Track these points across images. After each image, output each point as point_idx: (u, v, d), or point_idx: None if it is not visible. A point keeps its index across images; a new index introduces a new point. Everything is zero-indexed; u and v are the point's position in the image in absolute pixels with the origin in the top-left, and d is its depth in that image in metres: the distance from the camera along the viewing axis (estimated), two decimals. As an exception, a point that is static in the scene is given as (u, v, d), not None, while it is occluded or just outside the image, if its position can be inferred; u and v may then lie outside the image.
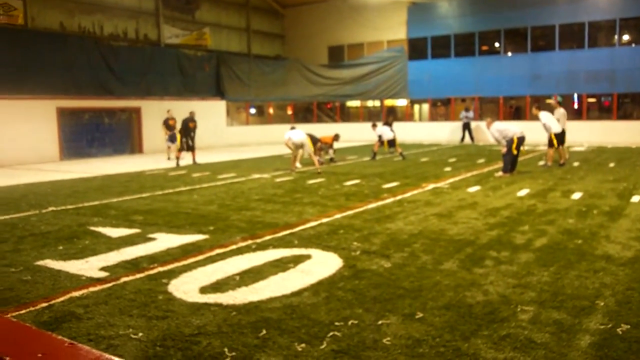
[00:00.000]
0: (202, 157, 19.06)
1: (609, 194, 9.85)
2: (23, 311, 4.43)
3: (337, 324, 4.01)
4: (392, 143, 18.07)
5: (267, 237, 6.79)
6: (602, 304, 4.32)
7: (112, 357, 0.90)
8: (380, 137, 18.07)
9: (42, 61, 19.98)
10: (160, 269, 5.53)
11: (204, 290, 4.86)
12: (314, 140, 15.59)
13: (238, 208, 8.99)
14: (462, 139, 26.40)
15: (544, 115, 14.35)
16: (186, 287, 4.92)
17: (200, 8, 28.14)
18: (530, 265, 5.41)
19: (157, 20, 25.91)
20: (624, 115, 25.62)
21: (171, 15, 26.62)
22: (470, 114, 26.49)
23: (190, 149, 17.09)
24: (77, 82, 21.23)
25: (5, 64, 18.94)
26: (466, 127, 26.49)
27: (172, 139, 18.91)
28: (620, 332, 3.77)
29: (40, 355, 0.92)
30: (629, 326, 3.86)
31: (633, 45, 25.45)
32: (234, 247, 6.35)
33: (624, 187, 10.58)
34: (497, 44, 28.17)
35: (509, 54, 28.10)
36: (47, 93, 20.05)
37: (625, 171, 13.37)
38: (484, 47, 28.44)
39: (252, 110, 31.87)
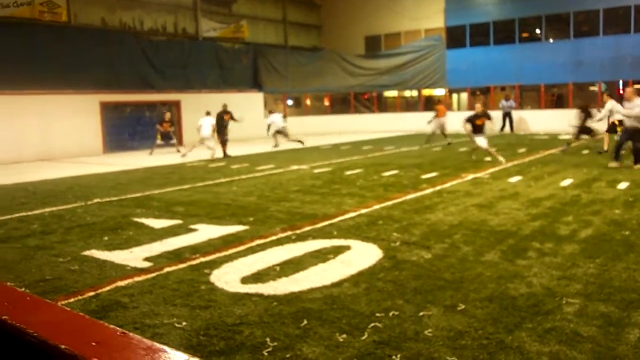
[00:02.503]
0: (240, 149, 19.25)
1: (657, 183, 9.52)
2: (72, 299, 4.58)
3: (377, 314, 4.00)
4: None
5: (307, 228, 6.82)
6: (651, 296, 4.19)
7: (163, 347, 0.91)
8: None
9: (85, 57, 20.47)
10: (202, 259, 5.62)
11: (245, 280, 4.91)
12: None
13: (277, 199, 9.05)
14: (502, 128, 25.79)
15: (612, 102, 13.99)
16: (228, 277, 4.99)
17: (237, 1, 28.30)
18: (575, 256, 5.28)
19: (195, 14, 26.19)
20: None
21: (209, 9, 26.86)
22: (512, 102, 25.78)
23: (223, 142, 17.27)
24: (119, 76, 21.71)
25: (50, 59, 19.48)
26: (507, 116, 25.85)
27: (165, 138, 19.66)
28: (672, 326, 3.65)
29: (94, 343, 0.94)
30: (681, 320, 3.74)
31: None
32: (273, 237, 6.40)
33: (673, 176, 10.21)
34: (537, 31, 27.45)
35: (551, 40, 27.35)
36: (91, 88, 20.55)
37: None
38: (524, 34, 27.76)
39: (289, 102, 31.97)
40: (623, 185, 9.36)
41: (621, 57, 24.91)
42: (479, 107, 14.17)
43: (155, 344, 0.94)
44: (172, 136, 20.13)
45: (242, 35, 28.38)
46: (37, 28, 19.64)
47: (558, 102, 27.96)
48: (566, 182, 9.89)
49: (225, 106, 17.87)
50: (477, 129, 13.66)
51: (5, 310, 1.08)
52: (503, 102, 25.75)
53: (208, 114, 17.73)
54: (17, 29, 18.97)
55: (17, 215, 8.47)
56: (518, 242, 5.86)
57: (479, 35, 28.42)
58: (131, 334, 0.98)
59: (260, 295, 4.52)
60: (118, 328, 1.00)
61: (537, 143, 18.82)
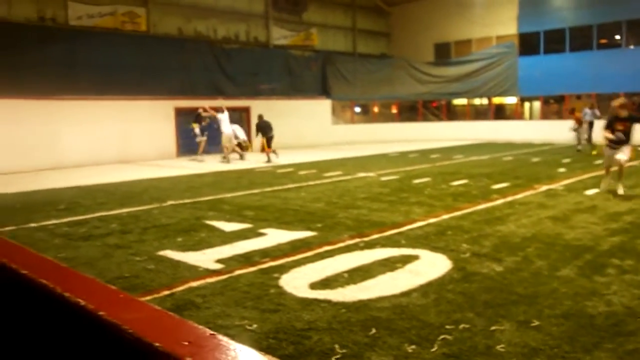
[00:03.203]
0: (307, 156, 19.46)
1: None
2: (148, 297, 4.77)
3: (447, 327, 3.94)
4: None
5: (375, 236, 6.80)
6: None
7: (252, 350, 0.94)
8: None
9: (162, 64, 21.37)
10: (272, 263, 5.72)
11: (313, 286, 4.96)
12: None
13: (345, 206, 9.08)
14: (588, 138, 24.19)
15: None
16: (297, 282, 5.06)
17: (307, 9, 28.70)
18: (659, 275, 5.00)
19: (266, 22, 26.76)
20: None
21: (279, 17, 27.38)
22: (596, 111, 24.17)
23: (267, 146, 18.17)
24: (193, 83, 22.54)
25: (130, 67, 20.45)
26: (590, 125, 24.28)
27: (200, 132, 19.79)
28: None
29: (186, 343, 0.98)
30: None
31: None
32: (342, 244, 6.43)
33: None
34: (617, 37, 26.22)
35: (632, 46, 26.05)
36: (166, 94, 21.42)
37: None
38: (603, 40, 26.58)
39: (357, 109, 32.02)
40: None
41: None
42: (619, 105, 9.48)
43: (243, 346, 0.97)
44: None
45: (312, 43, 28.75)
46: (119, 37, 20.68)
47: (639, 110, 26.53)
48: (648, 197, 9.38)
49: (261, 116, 18.98)
50: (618, 140, 9.32)
51: (103, 307, 1.13)
52: (586, 111, 24.32)
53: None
54: (101, 38, 20.04)
55: (97, 214, 8.92)
56: (596, 258, 5.61)
57: (554, 42, 27.47)
58: (220, 336, 1.01)
59: (329, 302, 4.55)
60: (207, 329, 1.03)
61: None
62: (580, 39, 26.77)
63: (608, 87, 25.82)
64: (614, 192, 9.53)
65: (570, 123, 21.00)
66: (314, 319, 4.20)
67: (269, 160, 18.01)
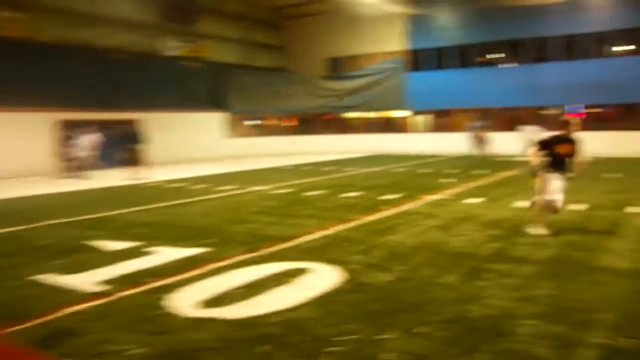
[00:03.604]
0: (200, 170, 19.06)
1: (611, 205, 9.81)
2: (21, 326, 4.39)
3: (337, 338, 3.97)
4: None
5: (268, 250, 6.76)
6: (604, 317, 4.28)
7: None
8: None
9: (44, 73, 20.03)
10: (160, 282, 5.49)
11: (204, 304, 4.82)
12: None
13: (238, 221, 8.96)
14: (477, 149, 25.71)
15: None
16: (186, 302, 4.88)
17: (200, 20, 28.27)
18: (531, 278, 5.37)
19: (157, 33, 26.04)
20: (624, 125, 25.58)
21: (171, 28, 26.76)
22: (480, 123, 25.67)
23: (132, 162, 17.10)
24: (79, 94, 21.24)
25: (8, 76, 18.96)
26: (477, 137, 25.71)
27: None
28: (623, 346, 3.73)
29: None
30: (633, 340, 3.82)
31: (628, 56, 25.59)
32: (234, 260, 6.31)
33: (625, 198, 10.55)
34: (497, 55, 28.32)
35: (508, 65, 28.21)
36: (48, 105, 20.04)
37: (629, 182, 13.32)
38: (482, 59, 28.59)
39: (253, 122, 31.94)
40: (578, 207, 9.61)
41: (575, 82, 25.82)
42: (564, 121, 7.52)
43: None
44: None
45: (204, 55, 28.34)
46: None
47: (515, 124, 28.64)
48: (524, 203, 10.07)
49: (133, 126, 18.28)
50: (557, 163, 7.32)
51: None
52: (471, 124, 25.79)
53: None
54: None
55: (-35, 237, 8.14)
56: (477, 264, 5.93)
57: (439, 58, 29.13)
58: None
59: (219, 320, 4.44)
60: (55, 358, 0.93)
61: (496, 165, 19.24)
62: (464, 56, 28.61)
63: (489, 102, 27.73)
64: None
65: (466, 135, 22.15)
66: (203, 338, 4.07)
67: (140, 176, 16.68)
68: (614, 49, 26.10)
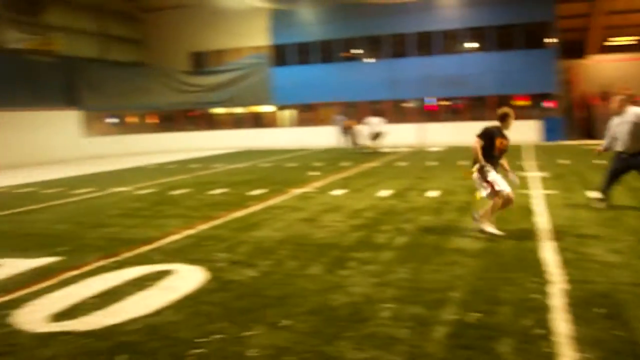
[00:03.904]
0: (54, 172, 17.71)
1: (461, 190, 10.58)
2: None
3: (200, 340, 3.86)
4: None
5: (127, 255, 6.42)
6: (455, 295, 4.59)
7: None
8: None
9: None
10: (4, 298, 5.00)
11: (55, 317, 4.46)
12: None
13: (95, 225, 8.43)
14: (345, 142, 26.26)
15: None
16: (34, 316, 4.49)
17: (47, 11, 26.15)
18: (391, 263, 5.62)
19: (-4, 24, 23.72)
20: (474, 116, 27.81)
21: (15, 18, 24.45)
22: (344, 117, 26.32)
23: None
24: None
25: None
26: (343, 130, 26.30)
27: None
28: (472, 321, 4.02)
29: None
30: (479, 314, 4.13)
31: (478, 52, 27.85)
32: (89, 268, 5.92)
33: (473, 184, 11.42)
34: (357, 51, 29.35)
35: (368, 60, 29.39)
36: None
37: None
38: (345, 54, 29.52)
39: (111, 120, 30.26)
40: (433, 194, 10.26)
41: (430, 77, 27.59)
42: (505, 113, 7.01)
43: None
44: None
45: (54, 48, 26.25)
46: None
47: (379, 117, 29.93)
48: (384, 193, 10.57)
49: None
50: (491, 157, 6.83)
51: None
52: (337, 117, 26.39)
53: None
54: None
55: None
56: (340, 253, 6.09)
57: (303, 53, 29.60)
58: None
59: (72, 333, 4.13)
60: None
61: (360, 157, 19.97)
62: (326, 51, 29.31)
63: (351, 96, 28.73)
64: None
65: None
66: (55, 354, 3.76)
67: None
68: (466, 45, 28.21)
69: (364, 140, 22.72)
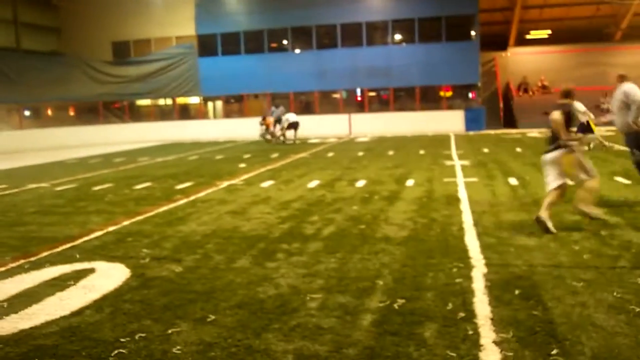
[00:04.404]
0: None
1: (388, 180, 10.79)
2: None
3: (122, 340, 3.72)
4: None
5: (44, 254, 6.09)
6: (381, 282, 4.66)
7: None
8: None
9: None
10: None
11: (-40, 324, 4.16)
12: None
13: (9, 224, 7.95)
14: (271, 134, 25.84)
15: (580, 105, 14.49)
16: (-63, 324, 4.17)
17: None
18: (319, 253, 5.64)
19: None
20: (400, 107, 28.44)
21: None
22: (282, 109, 26.05)
23: None
24: None
25: None
26: (277, 122, 26.00)
27: None
28: (397, 307, 4.09)
29: None
30: (404, 300, 4.21)
31: (404, 44, 28.41)
32: (1, 269, 5.57)
33: (400, 173, 11.69)
34: (285, 42, 29.21)
35: (297, 51, 29.32)
36: None
37: (402, 158, 14.81)
38: (273, 44, 29.31)
39: (27, 113, 28.67)
40: (361, 183, 10.40)
41: (357, 68, 27.90)
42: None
43: None
44: None
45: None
46: None
47: (306, 108, 30.03)
48: (313, 184, 10.61)
49: None
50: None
51: None
52: (273, 109, 25.94)
53: None
54: None
55: None
56: (268, 246, 6.05)
57: (231, 44, 29.15)
58: None
59: (-19, 340, 3.87)
60: None
61: (288, 148, 19.94)
62: (254, 42, 28.99)
63: (280, 87, 28.60)
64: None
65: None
66: (-40, 364, 3.51)
67: None
68: (395, 37, 28.69)
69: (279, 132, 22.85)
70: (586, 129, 7.71)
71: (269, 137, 22.78)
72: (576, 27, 32.28)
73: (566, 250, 5.39)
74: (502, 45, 31.59)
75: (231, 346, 3.56)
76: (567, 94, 6.38)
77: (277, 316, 4.01)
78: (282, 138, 22.54)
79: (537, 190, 8.74)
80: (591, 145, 9.24)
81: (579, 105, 7.21)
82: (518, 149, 16.04)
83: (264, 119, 23.10)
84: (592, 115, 8.04)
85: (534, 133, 22.17)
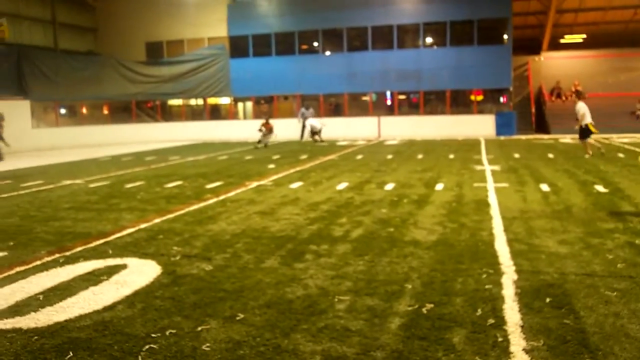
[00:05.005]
0: (1, 165, 17.09)
1: (417, 183, 10.73)
2: None
3: (153, 335, 3.79)
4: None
5: (78, 249, 6.24)
6: (410, 286, 4.64)
7: None
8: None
9: None
10: (-56, 295, 4.78)
11: (-1, 315, 4.29)
12: None
13: (45, 219, 8.16)
14: (303, 134, 25.80)
15: (582, 105, 14.50)
16: (-24, 315, 4.31)
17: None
18: (347, 256, 5.65)
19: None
20: (430, 110, 28.27)
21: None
22: (312, 111, 26.12)
23: None
24: None
25: None
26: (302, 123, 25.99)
27: None
28: (426, 312, 4.07)
29: None
30: (432, 305, 4.19)
31: (435, 47, 28.20)
32: (37, 263, 5.73)
33: (430, 177, 11.61)
34: (315, 44, 29.28)
35: (327, 53, 29.37)
36: None
37: (431, 162, 14.71)
38: (304, 46, 29.40)
39: (63, 111, 29.35)
40: (390, 187, 10.36)
41: (387, 71, 27.81)
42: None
43: None
44: None
45: (1, 35, 25.24)
46: None
47: (336, 110, 30.09)
48: (342, 186, 10.62)
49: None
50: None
51: None
52: (303, 110, 26.15)
53: None
54: None
55: None
56: (297, 246, 6.08)
57: (262, 45, 29.34)
58: None
59: (18, 330, 3.98)
60: None
61: (318, 150, 19.99)
62: (285, 44, 29.12)
63: (310, 88, 28.69)
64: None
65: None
66: (-2, 354, 3.62)
67: None
68: (426, 40, 28.49)
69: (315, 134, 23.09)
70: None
71: (261, 145, 21.70)
72: (612, 32, 31.64)
73: (599, 259, 5.29)
74: (536, 49, 31.12)
75: (260, 345, 3.59)
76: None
77: (306, 317, 4.04)
78: (317, 139, 23.00)
79: (569, 197, 8.60)
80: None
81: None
82: (550, 155, 15.77)
83: (265, 123, 22.09)
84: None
85: (566, 139, 21.79)
